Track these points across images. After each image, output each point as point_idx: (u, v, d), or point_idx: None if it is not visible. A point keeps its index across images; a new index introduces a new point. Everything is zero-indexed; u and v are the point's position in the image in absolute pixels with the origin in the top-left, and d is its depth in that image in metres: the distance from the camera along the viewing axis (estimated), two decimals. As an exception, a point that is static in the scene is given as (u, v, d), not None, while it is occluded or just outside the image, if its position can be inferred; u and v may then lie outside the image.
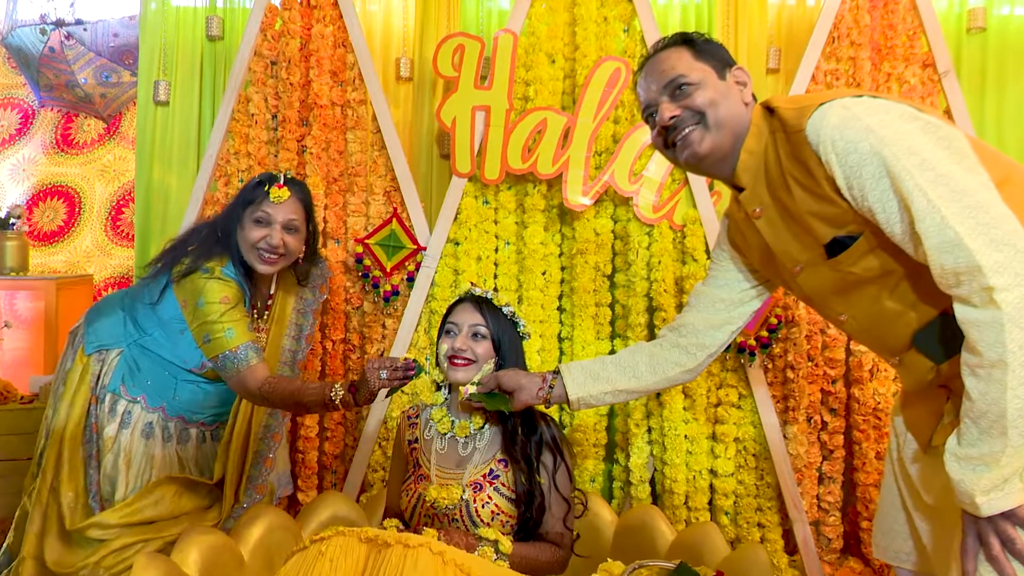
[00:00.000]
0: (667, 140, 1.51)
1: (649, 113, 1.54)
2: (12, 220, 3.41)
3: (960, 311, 1.17)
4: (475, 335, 1.82)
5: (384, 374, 1.75)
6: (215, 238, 2.03)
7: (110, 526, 1.94)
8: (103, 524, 1.94)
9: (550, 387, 1.77)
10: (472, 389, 1.78)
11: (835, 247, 1.37)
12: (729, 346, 2.46)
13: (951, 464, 1.22)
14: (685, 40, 1.50)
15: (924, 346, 1.36)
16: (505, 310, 1.86)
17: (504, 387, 1.76)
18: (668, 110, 1.48)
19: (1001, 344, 1.12)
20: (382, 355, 2.66)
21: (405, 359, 1.78)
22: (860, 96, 1.31)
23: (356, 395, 1.79)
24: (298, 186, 2.06)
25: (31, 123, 3.88)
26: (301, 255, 2.11)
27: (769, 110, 1.44)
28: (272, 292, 2.17)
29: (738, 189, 1.53)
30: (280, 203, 1.99)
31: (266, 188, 2.00)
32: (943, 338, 1.33)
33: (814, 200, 1.35)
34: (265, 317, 2.15)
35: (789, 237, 1.46)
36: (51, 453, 2.04)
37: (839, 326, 1.53)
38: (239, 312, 1.97)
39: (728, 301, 1.71)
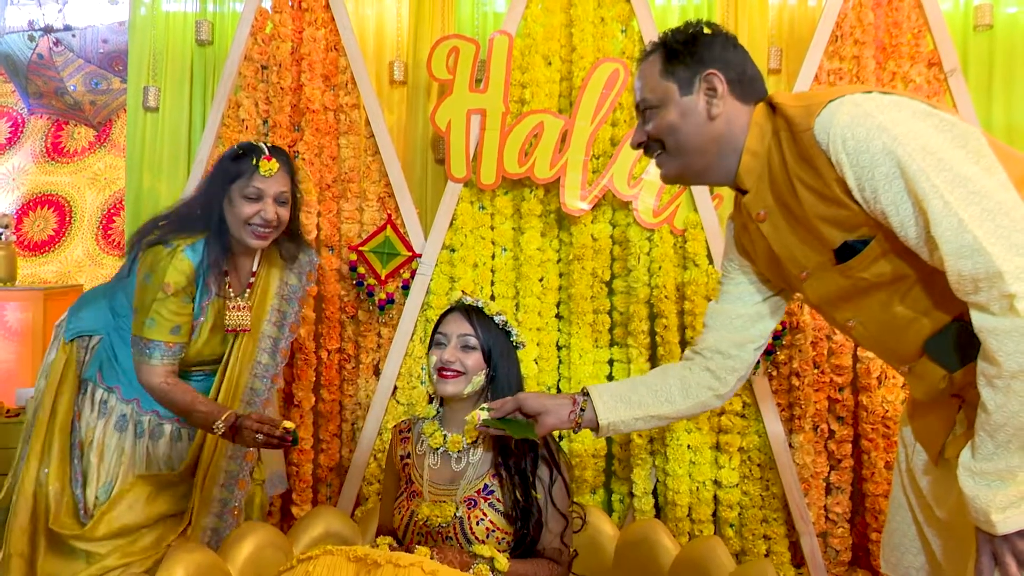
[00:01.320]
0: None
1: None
2: (0, 230, 3.36)
3: (978, 319, 1.12)
4: (464, 346, 1.75)
5: (260, 437, 1.79)
6: (194, 215, 1.97)
7: (92, 539, 1.91)
8: (85, 538, 1.91)
9: (581, 410, 1.62)
10: (484, 415, 1.63)
11: (845, 252, 1.30)
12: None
13: (965, 479, 1.17)
14: (663, 45, 1.43)
15: (937, 353, 1.30)
16: (497, 319, 1.79)
17: (527, 410, 1.62)
18: (636, 136, 1.47)
19: (1021, 354, 1.06)
20: (350, 376, 2.64)
21: (284, 428, 1.79)
22: (870, 92, 1.24)
23: (234, 437, 1.84)
24: (283, 155, 2.00)
25: (21, 132, 3.84)
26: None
27: (772, 107, 1.37)
28: (255, 269, 2.09)
29: (741, 192, 1.46)
30: (271, 176, 1.93)
31: (254, 162, 1.93)
32: (957, 345, 1.26)
33: (823, 203, 1.28)
34: (246, 295, 2.08)
35: (795, 242, 1.39)
36: (35, 443, 2.00)
37: (846, 333, 1.46)
38: (174, 304, 1.90)
39: (745, 317, 1.60)
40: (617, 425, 1.63)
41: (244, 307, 2.07)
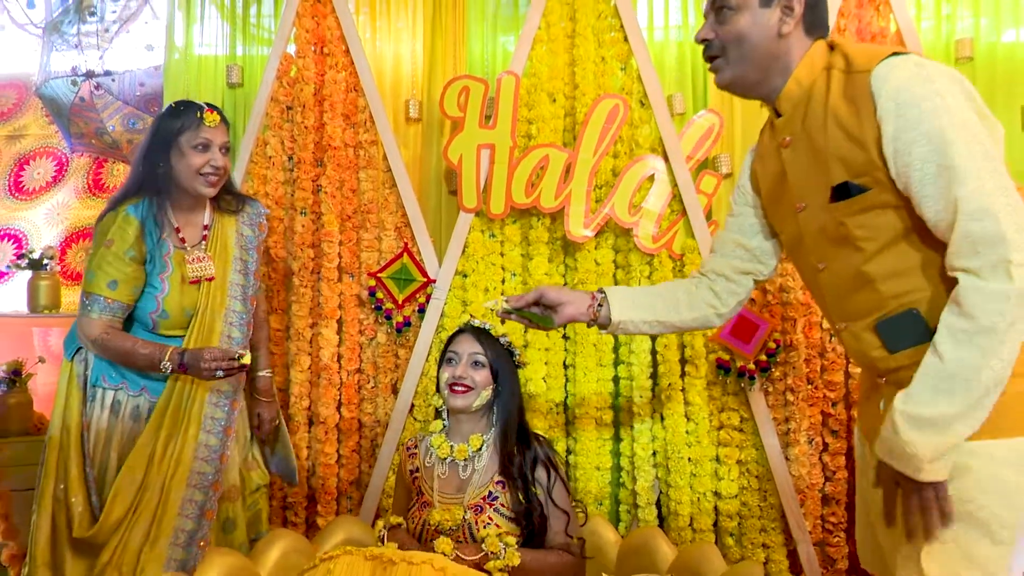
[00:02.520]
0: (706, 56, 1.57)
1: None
2: (45, 261, 3.58)
3: (965, 281, 1.22)
4: (475, 363, 1.91)
5: (220, 373, 1.93)
6: (137, 178, 2.12)
7: (105, 532, 2.01)
8: (101, 535, 2.01)
9: (599, 305, 1.78)
10: (505, 304, 1.75)
11: (841, 191, 1.39)
12: (729, 370, 2.54)
13: (901, 422, 1.25)
14: None
15: (887, 331, 1.39)
16: (502, 340, 1.96)
17: (548, 301, 1.77)
18: (703, 32, 1.52)
19: (1000, 314, 1.18)
20: (368, 362, 2.75)
21: (240, 353, 1.93)
22: (929, 60, 1.35)
23: (187, 373, 1.99)
24: (219, 110, 2.16)
25: (65, 170, 4.07)
26: None
27: (830, 48, 1.46)
28: (207, 222, 2.24)
29: (777, 114, 1.55)
30: (215, 127, 2.11)
31: (198, 115, 2.09)
32: (904, 330, 1.36)
33: (847, 141, 1.36)
34: (204, 246, 2.21)
35: (806, 172, 1.47)
36: (51, 458, 2.10)
37: (812, 277, 1.55)
38: (112, 257, 2.03)
39: (745, 249, 1.74)
40: (627, 325, 1.78)
41: (205, 257, 2.20)
